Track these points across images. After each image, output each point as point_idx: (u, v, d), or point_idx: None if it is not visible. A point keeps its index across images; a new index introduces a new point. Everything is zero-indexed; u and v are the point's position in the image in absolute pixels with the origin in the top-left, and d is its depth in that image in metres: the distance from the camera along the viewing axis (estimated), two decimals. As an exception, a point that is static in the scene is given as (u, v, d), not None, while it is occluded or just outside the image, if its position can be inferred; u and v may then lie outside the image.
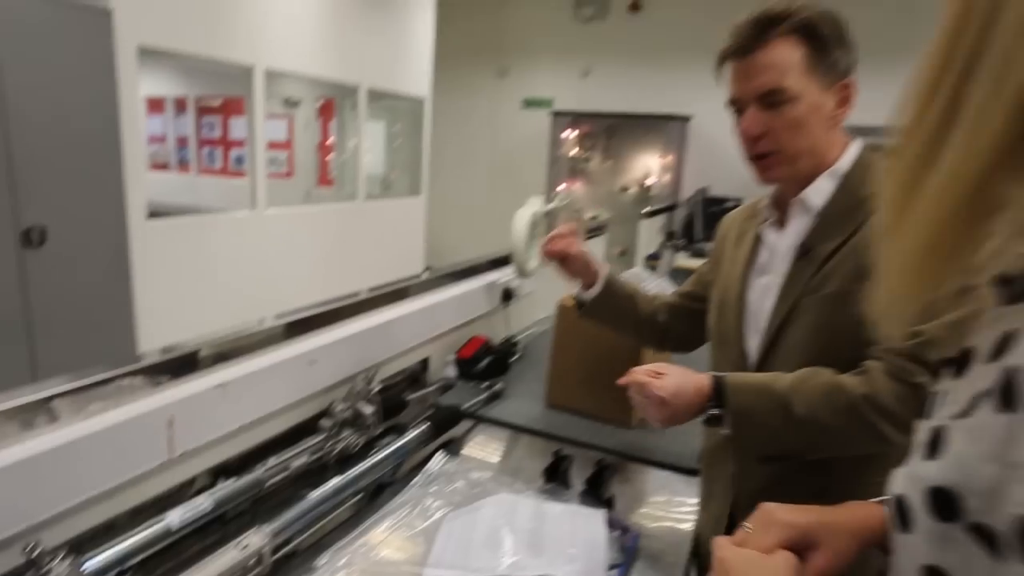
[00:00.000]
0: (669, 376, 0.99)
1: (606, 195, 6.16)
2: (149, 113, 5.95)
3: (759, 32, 0.94)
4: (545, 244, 1.29)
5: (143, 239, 3.15)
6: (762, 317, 1.04)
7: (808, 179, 1.00)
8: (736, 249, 1.13)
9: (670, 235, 5.43)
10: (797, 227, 1.01)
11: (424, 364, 1.72)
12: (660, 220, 5.01)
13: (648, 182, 5.90)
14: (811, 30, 0.93)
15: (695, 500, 1.22)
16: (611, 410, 1.49)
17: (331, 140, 5.81)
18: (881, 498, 0.65)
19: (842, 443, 0.89)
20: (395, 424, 1.42)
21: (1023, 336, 0.38)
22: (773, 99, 0.94)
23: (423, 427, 1.35)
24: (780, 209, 1.06)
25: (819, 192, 0.99)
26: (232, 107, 5.73)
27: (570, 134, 6.17)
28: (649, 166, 5.98)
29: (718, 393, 0.95)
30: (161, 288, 3.27)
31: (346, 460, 1.22)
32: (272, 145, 5.56)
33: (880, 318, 0.45)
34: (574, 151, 6.17)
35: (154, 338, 3.09)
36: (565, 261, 1.27)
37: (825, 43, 0.94)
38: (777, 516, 0.60)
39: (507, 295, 2.02)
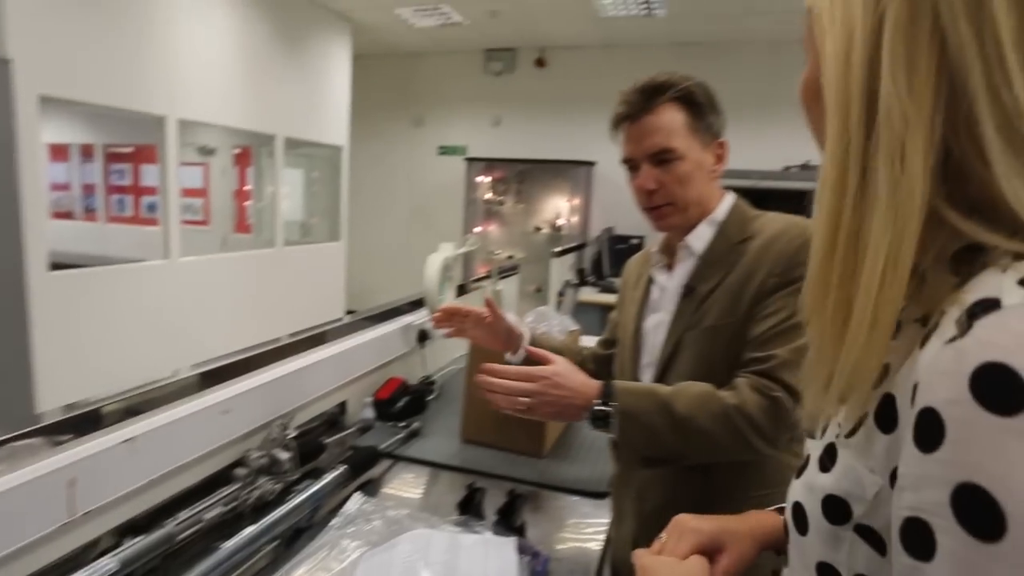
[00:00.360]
0: (558, 362, 1.03)
1: (520, 236, 6.29)
2: (53, 160, 5.61)
3: (646, 99, 1.03)
4: (434, 318, 1.32)
5: (44, 291, 2.94)
6: (653, 351, 1.11)
7: (694, 227, 1.09)
8: (633, 291, 1.20)
9: (580, 272, 5.61)
10: (683, 269, 1.10)
11: (342, 407, 1.69)
12: (571, 258, 5.17)
13: (559, 223, 6.09)
14: (690, 98, 1.04)
15: (603, 521, 1.26)
16: (523, 442, 1.52)
17: (248, 187, 5.67)
18: (776, 507, 0.71)
19: (714, 447, 0.93)
20: (313, 468, 1.39)
21: (896, 368, 0.41)
22: (663, 157, 1.03)
23: (340, 469, 1.33)
24: (669, 254, 1.15)
25: (700, 238, 1.08)
26: (144, 154, 5.50)
27: (484, 179, 6.28)
28: (559, 208, 6.15)
29: (606, 395, 0.98)
30: (65, 343, 3.05)
31: (262, 508, 1.18)
32: (187, 192, 5.36)
33: (806, 380, 0.47)
34: (488, 195, 6.27)
35: (57, 396, 2.87)
36: (487, 335, 1.29)
37: (702, 109, 1.05)
38: (689, 525, 0.65)
39: (423, 336, 2.02)
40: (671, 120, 1.02)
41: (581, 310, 4.46)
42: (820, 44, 0.44)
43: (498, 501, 1.24)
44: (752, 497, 1.02)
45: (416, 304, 2.01)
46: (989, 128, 0.37)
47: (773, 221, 1.05)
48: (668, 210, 1.06)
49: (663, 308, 1.11)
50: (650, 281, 1.15)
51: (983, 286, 0.37)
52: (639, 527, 1.13)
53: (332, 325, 1.72)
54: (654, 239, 1.21)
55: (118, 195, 5.67)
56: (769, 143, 5.63)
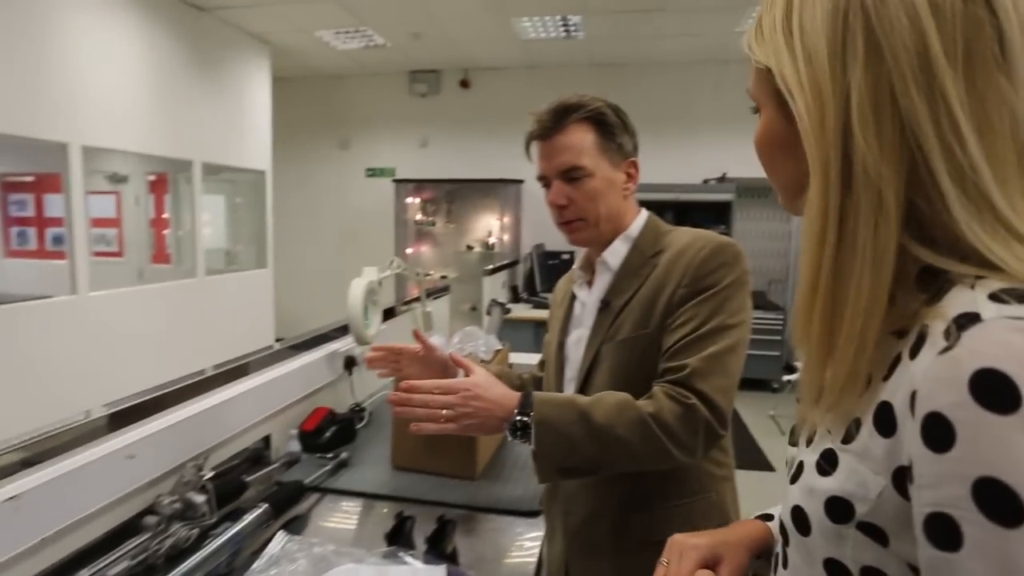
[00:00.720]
0: (478, 373, 1.01)
1: (452, 255, 6.29)
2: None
3: (557, 119, 1.05)
4: (368, 359, 1.29)
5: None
6: (576, 365, 1.12)
7: (609, 242, 1.11)
8: (558, 309, 1.21)
9: (514, 289, 5.63)
10: (601, 284, 1.12)
11: (266, 441, 1.62)
12: (504, 275, 5.19)
13: (490, 241, 6.12)
14: (599, 118, 1.06)
15: (537, 539, 1.25)
16: (454, 465, 1.49)
17: (166, 215, 5.40)
18: (759, 514, 0.74)
19: (632, 456, 0.93)
20: (234, 509, 1.31)
21: (877, 377, 0.46)
22: (573, 175, 1.05)
23: (262, 508, 1.27)
24: (588, 270, 1.16)
25: (616, 253, 1.10)
26: (47, 183, 5.15)
27: (414, 200, 6.23)
28: (490, 226, 6.17)
29: (525, 406, 0.96)
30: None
31: (176, 557, 1.11)
32: (98, 223, 5.05)
33: (803, 390, 0.52)
34: (419, 216, 6.23)
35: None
36: (423, 370, 1.26)
37: (611, 129, 1.07)
38: (688, 543, 0.67)
39: (350, 363, 1.96)
40: (580, 139, 1.05)
41: (515, 327, 4.47)
42: (791, 103, 0.48)
43: (428, 528, 1.21)
44: (675, 506, 1.05)
45: (342, 330, 1.96)
46: (945, 181, 0.43)
47: (682, 235, 1.07)
48: (579, 225, 1.08)
49: (584, 323, 1.12)
50: (572, 298, 1.17)
51: (958, 302, 0.42)
52: (568, 541, 1.13)
53: (252, 357, 1.65)
54: (581, 256, 1.23)
55: (19, 227, 5.29)
56: (688, 158, 5.86)
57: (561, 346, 1.16)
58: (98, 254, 5.17)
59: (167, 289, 4.34)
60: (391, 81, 6.29)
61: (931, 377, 0.40)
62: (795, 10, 0.49)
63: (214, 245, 5.51)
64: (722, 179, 5.58)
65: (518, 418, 0.94)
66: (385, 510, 1.37)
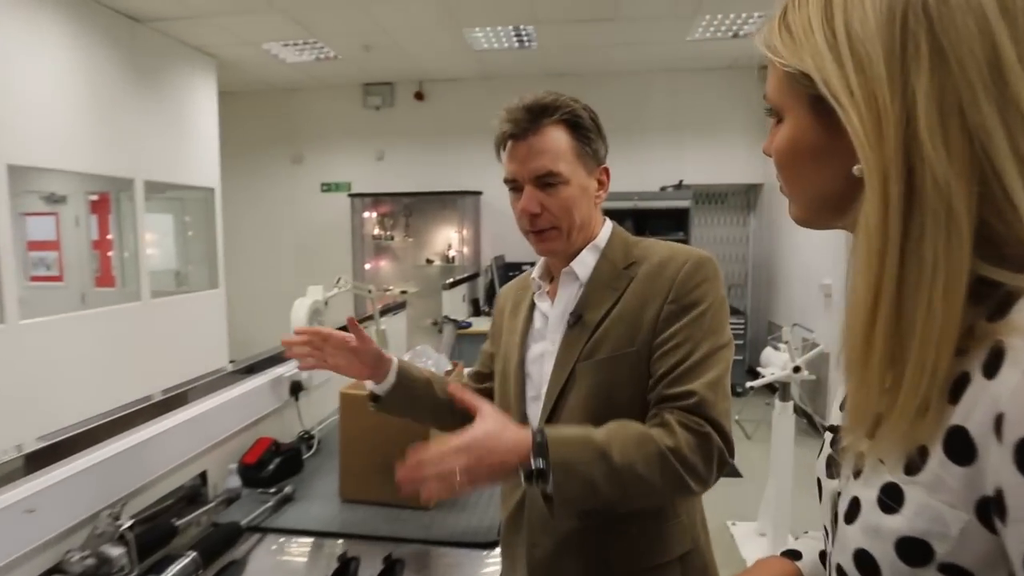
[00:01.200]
0: (486, 417, 0.89)
1: (412, 269, 6.18)
2: None
3: (533, 119, 0.98)
4: (284, 342, 1.14)
5: None
6: (541, 383, 1.04)
7: (577, 252, 1.04)
8: (513, 319, 1.13)
9: (475, 302, 5.54)
10: (567, 296, 1.05)
11: (202, 478, 1.49)
12: (464, 289, 5.10)
13: (450, 254, 6.03)
14: (576, 122, 1.01)
15: (494, 572, 1.16)
16: (408, 495, 1.39)
17: (111, 236, 5.15)
18: (785, 551, 0.71)
19: (651, 492, 0.87)
20: (162, 557, 1.19)
21: (962, 396, 0.42)
22: (548, 180, 0.99)
23: (189, 558, 1.15)
24: (550, 280, 1.10)
25: (584, 264, 1.04)
26: (-23, 207, 4.85)
27: (371, 215, 6.13)
28: (450, 239, 6.09)
29: (538, 446, 0.85)
30: None
31: (88, 619, 0.98)
32: (34, 245, 4.78)
33: (846, 425, 0.50)
34: (376, 231, 6.13)
35: None
36: (352, 363, 1.10)
37: (587, 134, 1.02)
38: None
39: (296, 388, 1.86)
40: (557, 142, 0.99)
41: (476, 341, 4.38)
42: (839, 111, 0.45)
43: (375, 570, 1.11)
44: (646, 528, 0.99)
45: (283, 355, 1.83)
46: (1021, 196, 0.40)
47: (656, 247, 1.03)
48: (552, 234, 1.02)
49: (547, 337, 1.05)
50: (532, 308, 1.10)
51: None
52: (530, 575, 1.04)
53: (188, 386, 1.53)
54: (539, 264, 1.16)
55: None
56: (644, 166, 5.91)
57: (521, 361, 1.08)
58: (36, 279, 4.88)
59: (110, 313, 4.12)
60: (344, 94, 6.20)
61: (1021, 400, 0.37)
62: (836, 11, 0.45)
63: (163, 266, 5.29)
64: (679, 186, 5.61)
65: (536, 464, 0.84)
66: (331, 550, 1.26)
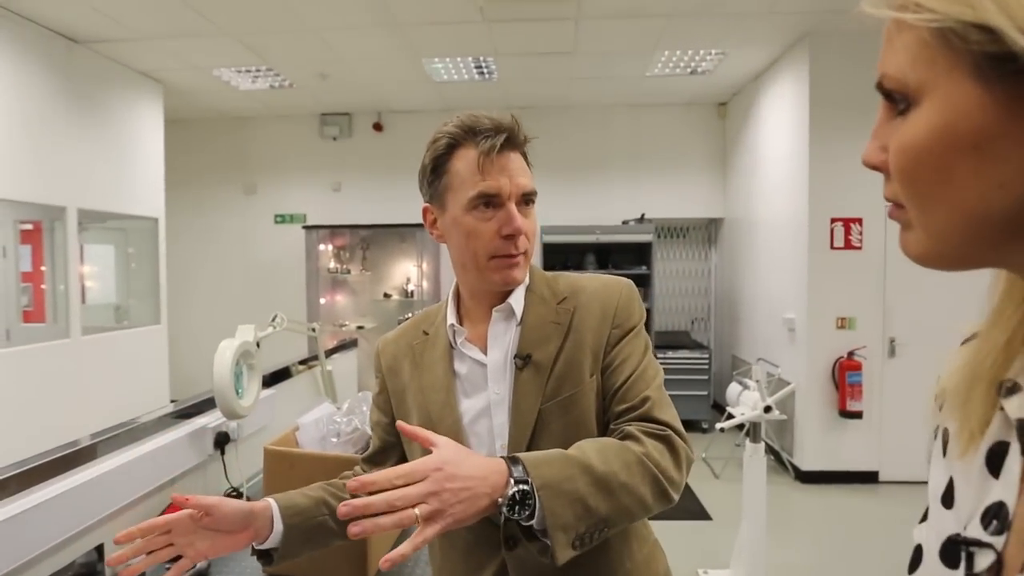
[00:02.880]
0: (441, 445, 0.77)
1: (369, 304, 6.02)
2: None
3: (516, 135, 0.95)
4: (110, 561, 0.84)
5: None
6: (494, 438, 0.95)
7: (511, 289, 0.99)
8: (423, 376, 1.01)
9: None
10: (503, 338, 0.97)
11: (99, 552, 1.27)
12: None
13: (409, 288, 5.89)
14: (527, 156, 0.99)
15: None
16: (340, 567, 1.21)
17: (44, 268, 4.81)
18: None
19: (640, 502, 0.84)
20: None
21: None
22: (530, 199, 0.96)
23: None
24: (472, 321, 1.01)
25: (519, 301, 0.99)
26: None
27: (326, 247, 5.96)
28: (408, 273, 5.96)
29: (515, 471, 0.78)
30: None
31: None
32: (-46, 280, 4.42)
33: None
34: (332, 264, 5.95)
35: None
36: (218, 540, 0.88)
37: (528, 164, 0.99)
38: None
39: (222, 440, 1.66)
40: (526, 168, 0.97)
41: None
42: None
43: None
44: (637, 558, 0.98)
45: (211, 402, 1.64)
46: None
47: (579, 280, 1.03)
48: (524, 261, 0.97)
49: (488, 387, 0.96)
50: (450, 360, 1.00)
51: None
52: None
53: (84, 444, 1.31)
54: (430, 312, 1.08)
55: None
56: (606, 199, 5.91)
57: (458, 421, 0.96)
58: (-44, 314, 4.50)
59: (36, 351, 3.79)
60: (300, 123, 6.07)
61: None
62: None
63: (103, 299, 4.98)
64: (641, 220, 5.60)
65: (515, 488, 0.75)
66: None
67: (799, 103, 4.24)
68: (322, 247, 5.94)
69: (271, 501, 0.92)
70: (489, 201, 0.93)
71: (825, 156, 4.07)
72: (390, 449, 1.06)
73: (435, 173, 0.95)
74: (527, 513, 0.76)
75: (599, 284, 1.01)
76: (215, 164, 6.17)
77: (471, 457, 0.76)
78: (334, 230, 5.94)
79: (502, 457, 0.79)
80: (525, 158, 0.98)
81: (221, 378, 1.49)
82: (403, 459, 1.04)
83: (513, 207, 0.93)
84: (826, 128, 4.06)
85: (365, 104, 5.76)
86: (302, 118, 6.05)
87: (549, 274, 1.05)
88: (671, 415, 0.93)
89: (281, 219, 6.20)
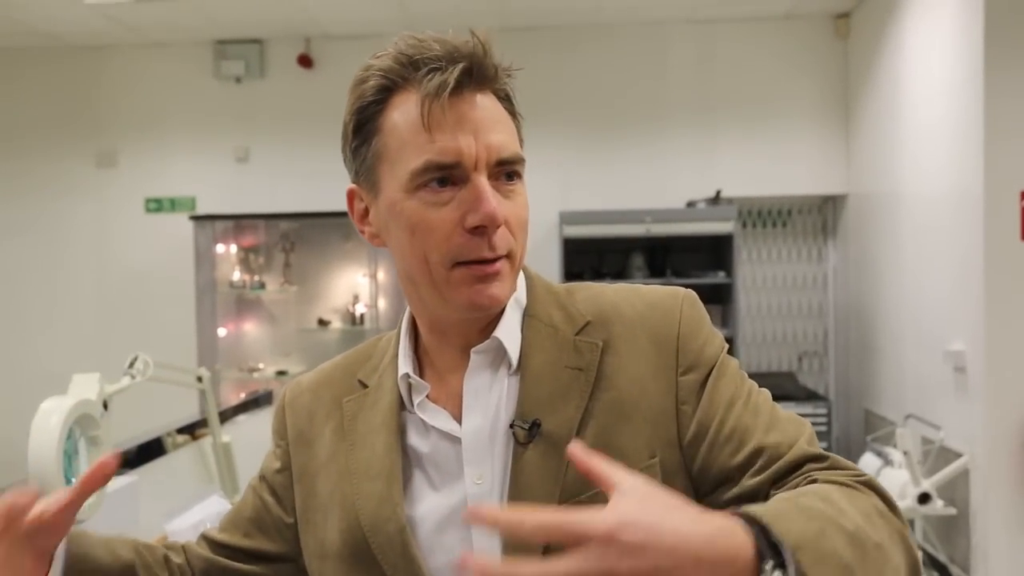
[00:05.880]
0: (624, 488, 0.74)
1: (296, 336, 6.17)
2: None
3: (481, 69, 0.94)
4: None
5: None
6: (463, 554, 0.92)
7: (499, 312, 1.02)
8: (353, 453, 1.03)
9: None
10: (488, 395, 1.00)
11: None
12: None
13: (356, 311, 5.95)
14: (511, 100, 1.00)
15: None
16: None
17: None
18: None
19: (894, 566, 0.85)
20: None
21: None
22: (511, 169, 0.96)
23: None
24: (437, 370, 1.04)
25: (511, 334, 1.01)
26: None
27: (227, 249, 6.02)
28: (355, 287, 6.01)
29: (752, 532, 0.76)
30: None
31: None
32: None
33: None
34: (236, 275, 6.01)
35: None
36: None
37: (519, 123, 1.02)
38: None
39: (43, 565, 1.61)
40: (505, 117, 0.98)
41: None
42: None
43: None
44: None
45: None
46: None
47: (604, 294, 1.06)
48: (506, 269, 0.97)
49: (463, 475, 0.98)
50: (401, 431, 1.02)
51: None
52: None
53: None
54: (371, 347, 1.12)
55: None
56: (660, 170, 5.93)
57: (402, 531, 0.97)
58: None
59: None
60: (185, 56, 6.13)
61: None
62: None
63: None
64: (716, 200, 5.59)
65: (766, 565, 0.73)
66: None
67: (968, 10, 4.19)
68: (221, 248, 5.98)
69: (60, 549, 0.97)
70: (444, 175, 0.93)
71: (1010, 94, 4.00)
72: (261, 530, 1.10)
73: (360, 135, 0.97)
74: None
75: (641, 303, 1.03)
76: (50, 121, 6.23)
77: (674, 513, 0.71)
78: (239, 222, 6.00)
79: (735, 515, 0.76)
80: (506, 103, 0.99)
81: (41, 459, 1.51)
82: (254, 564, 1.09)
83: (483, 181, 0.93)
84: (1012, 51, 3.99)
85: (285, 25, 5.79)
86: (188, 48, 6.12)
87: (559, 286, 1.07)
88: (843, 461, 0.95)
89: (156, 205, 6.24)
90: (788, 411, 0.99)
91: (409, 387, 1.02)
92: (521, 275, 1.06)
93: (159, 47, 6.10)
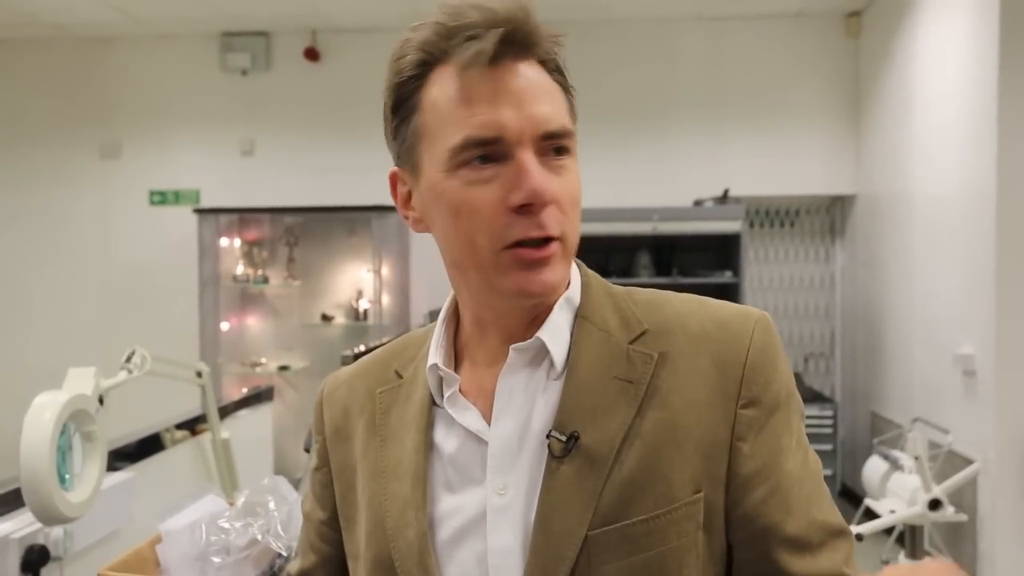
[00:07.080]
0: None
1: (299, 331, 6.19)
2: None
3: (518, 29, 0.88)
4: None
5: None
6: (491, 570, 0.91)
7: (547, 306, 0.96)
8: (384, 449, 1.00)
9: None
10: (522, 397, 0.95)
11: None
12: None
13: (360, 306, 5.97)
14: (562, 71, 0.95)
15: None
16: None
17: None
18: None
19: None
20: None
21: None
22: (560, 144, 0.91)
23: None
24: (475, 362, 1.00)
25: (559, 334, 0.95)
26: None
27: (231, 242, 6.05)
28: (359, 282, 6.02)
29: None
30: None
31: None
32: None
33: None
34: (240, 269, 6.05)
35: None
36: None
37: (571, 95, 0.97)
38: None
39: (36, 560, 1.68)
40: (554, 89, 0.94)
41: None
42: None
43: None
44: None
45: (14, 497, 1.69)
46: None
47: (670, 302, 1.00)
48: (558, 253, 0.92)
49: (487, 481, 0.93)
50: (429, 427, 0.99)
51: None
52: None
53: None
54: (413, 339, 1.08)
55: None
56: (667, 168, 5.94)
57: (422, 537, 0.94)
58: None
59: None
60: (191, 48, 6.17)
61: None
62: None
63: None
64: (724, 199, 5.59)
65: None
66: None
67: (983, 9, 4.18)
68: (224, 242, 6.00)
69: None
70: (486, 151, 0.88)
71: (1024, 94, 3.97)
72: (327, 564, 1.06)
73: (399, 114, 0.93)
74: None
75: (708, 319, 0.97)
76: (55, 111, 6.27)
77: None
78: (244, 215, 6.02)
79: None
80: (556, 75, 0.94)
81: (34, 455, 1.49)
82: None
83: (528, 156, 0.88)
84: (1025, 50, 3.96)
85: (292, 18, 5.81)
86: (194, 40, 6.16)
87: (619, 288, 1.03)
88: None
89: (160, 198, 6.29)
90: (834, 514, 0.96)
91: (440, 380, 0.98)
92: (576, 272, 1.02)
93: (165, 39, 6.14)
